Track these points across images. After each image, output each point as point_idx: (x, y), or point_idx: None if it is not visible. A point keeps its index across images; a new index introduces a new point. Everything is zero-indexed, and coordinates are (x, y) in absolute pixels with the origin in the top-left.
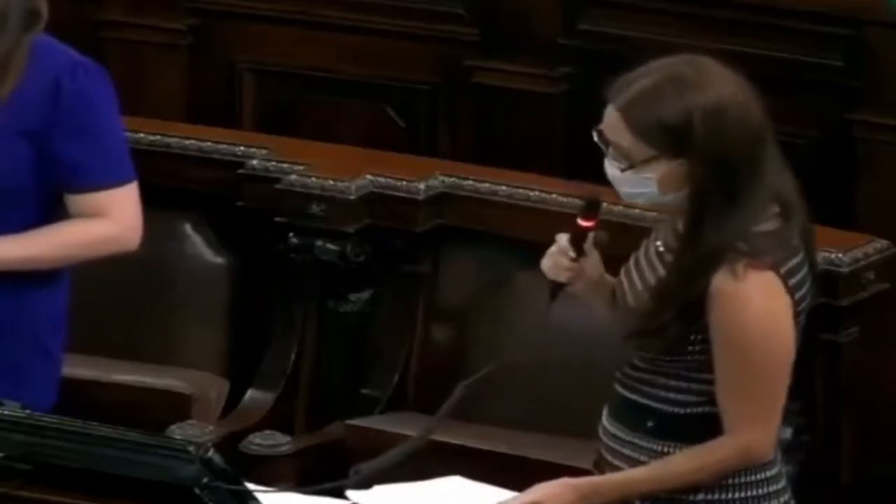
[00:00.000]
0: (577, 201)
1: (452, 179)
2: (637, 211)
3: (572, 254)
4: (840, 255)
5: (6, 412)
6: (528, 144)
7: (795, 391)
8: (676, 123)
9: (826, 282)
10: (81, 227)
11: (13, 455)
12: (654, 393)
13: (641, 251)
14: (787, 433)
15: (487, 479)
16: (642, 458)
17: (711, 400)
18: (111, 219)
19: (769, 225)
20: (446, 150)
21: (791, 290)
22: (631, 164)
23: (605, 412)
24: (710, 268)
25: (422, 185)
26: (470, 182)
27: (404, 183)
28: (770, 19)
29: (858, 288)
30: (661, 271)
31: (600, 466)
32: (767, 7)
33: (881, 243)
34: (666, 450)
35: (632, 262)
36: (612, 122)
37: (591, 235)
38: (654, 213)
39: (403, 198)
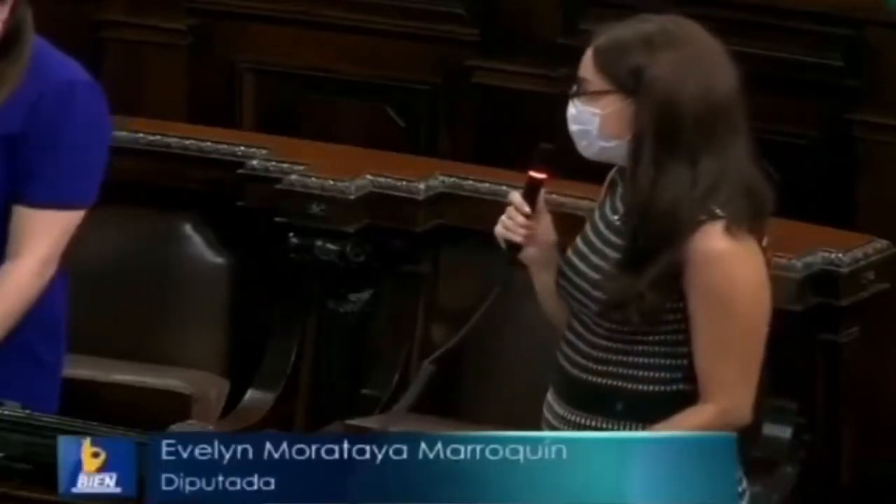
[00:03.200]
0: (577, 202)
1: (452, 179)
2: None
3: (527, 209)
4: (840, 255)
5: (6, 412)
6: (528, 144)
7: (795, 391)
8: (637, 64)
9: (826, 282)
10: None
11: (13, 455)
12: (623, 373)
13: (588, 228)
14: (787, 433)
15: None
16: None
17: (685, 377)
18: (22, 258)
19: (747, 203)
20: (446, 150)
21: (767, 260)
22: (582, 93)
23: (553, 401)
24: (683, 230)
25: (422, 185)
26: (470, 182)
27: (404, 183)
28: (770, 19)
29: (858, 288)
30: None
31: None
32: (767, 7)
33: (881, 243)
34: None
35: (579, 241)
36: (585, 58)
37: (542, 192)
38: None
39: (403, 198)
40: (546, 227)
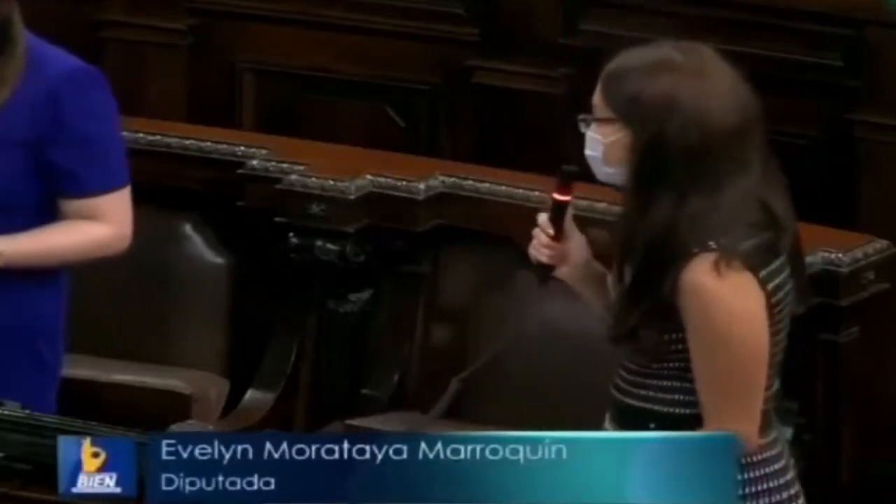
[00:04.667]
0: (575, 201)
1: (452, 179)
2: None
3: (550, 231)
4: (840, 255)
5: (6, 412)
6: (528, 144)
7: (795, 391)
8: (632, 91)
9: (826, 282)
10: (77, 231)
11: (13, 455)
12: (650, 395)
13: None
14: (788, 433)
15: None
16: None
17: None
18: (104, 223)
19: (750, 235)
20: (446, 150)
21: (768, 292)
22: (592, 120)
23: (606, 419)
24: (669, 264)
25: (422, 185)
26: (470, 182)
27: (404, 183)
28: (770, 19)
29: (858, 288)
30: None
31: None
32: (767, 7)
33: (881, 243)
34: None
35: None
36: (598, 84)
37: (569, 211)
38: None
39: (403, 198)
40: (577, 247)
